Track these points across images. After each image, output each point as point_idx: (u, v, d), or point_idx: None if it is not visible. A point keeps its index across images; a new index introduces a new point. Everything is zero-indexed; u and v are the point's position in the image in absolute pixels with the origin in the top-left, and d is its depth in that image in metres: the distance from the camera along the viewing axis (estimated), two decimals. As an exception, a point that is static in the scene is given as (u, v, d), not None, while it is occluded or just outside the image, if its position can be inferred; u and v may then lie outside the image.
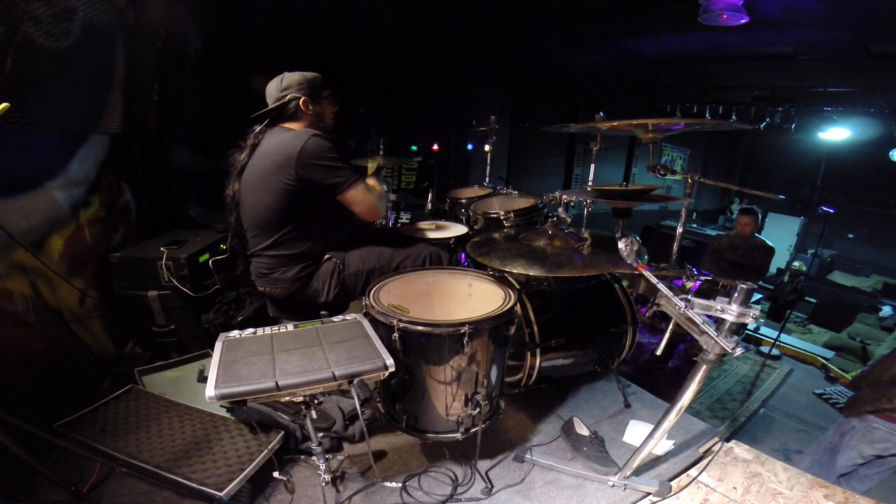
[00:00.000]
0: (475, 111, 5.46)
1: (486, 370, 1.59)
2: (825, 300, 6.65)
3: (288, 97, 1.82)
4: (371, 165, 2.12)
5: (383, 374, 1.35)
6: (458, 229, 2.60)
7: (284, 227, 1.81)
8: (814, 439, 2.93)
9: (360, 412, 1.44)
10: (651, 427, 1.57)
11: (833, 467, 2.24)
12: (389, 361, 1.34)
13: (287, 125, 1.85)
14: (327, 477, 1.44)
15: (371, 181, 1.98)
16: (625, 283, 2.24)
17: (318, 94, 1.87)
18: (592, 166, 2.60)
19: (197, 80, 3.22)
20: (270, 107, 1.85)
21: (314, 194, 1.76)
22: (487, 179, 3.35)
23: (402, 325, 1.47)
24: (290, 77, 1.84)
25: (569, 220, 2.05)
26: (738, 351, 1.27)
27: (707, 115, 6.11)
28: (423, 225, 2.64)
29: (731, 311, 1.29)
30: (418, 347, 1.53)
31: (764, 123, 6.04)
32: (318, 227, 1.85)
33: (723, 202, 9.20)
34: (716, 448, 1.85)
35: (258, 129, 1.86)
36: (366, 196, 1.83)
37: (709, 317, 1.33)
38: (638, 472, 1.65)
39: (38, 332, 1.88)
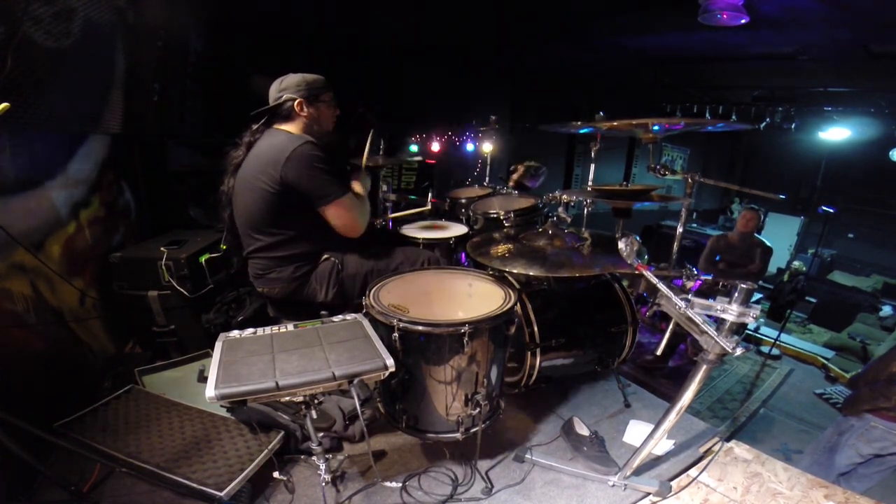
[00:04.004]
0: (475, 111, 5.45)
1: (486, 370, 1.59)
2: (825, 300, 6.65)
3: (283, 98, 1.82)
4: (365, 153, 2.07)
5: (383, 374, 1.35)
6: (458, 229, 2.60)
7: (275, 229, 1.80)
8: (814, 439, 2.93)
9: (360, 412, 1.44)
10: (651, 427, 1.58)
11: (832, 466, 2.25)
12: (389, 361, 1.34)
13: (282, 126, 1.85)
14: (327, 477, 1.44)
15: (357, 187, 1.94)
16: (625, 283, 2.24)
17: (315, 97, 1.86)
18: (592, 166, 2.60)
19: (197, 80, 3.22)
20: (268, 106, 1.85)
21: (303, 199, 1.75)
22: (487, 179, 3.35)
23: (402, 324, 1.47)
24: (290, 78, 1.84)
25: (569, 220, 2.05)
26: (739, 351, 1.27)
27: (707, 115, 6.10)
28: (419, 224, 2.65)
29: (731, 311, 1.29)
30: (418, 347, 1.53)
31: (764, 123, 6.03)
32: (313, 229, 1.84)
33: (723, 202, 9.18)
34: (716, 448, 1.85)
35: (255, 127, 1.86)
36: (348, 213, 1.81)
37: (709, 317, 1.33)
38: (638, 472, 1.65)
39: (38, 332, 1.88)
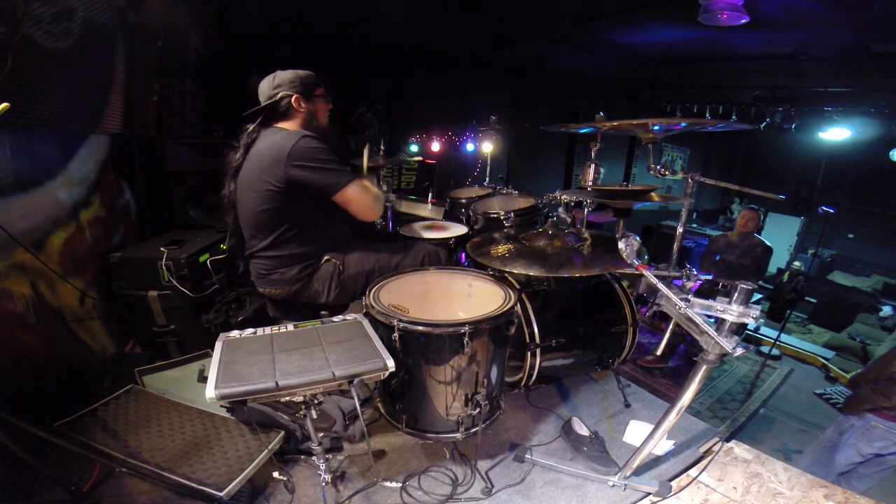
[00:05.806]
0: (475, 111, 5.46)
1: (486, 370, 1.59)
2: (825, 300, 6.65)
3: (280, 95, 1.80)
4: (365, 158, 2.11)
5: (383, 375, 1.35)
6: (458, 229, 2.60)
7: (279, 228, 1.80)
8: (814, 439, 2.93)
9: (360, 412, 1.44)
10: (651, 427, 1.58)
11: (832, 466, 2.25)
12: (390, 362, 1.34)
13: (280, 124, 1.84)
14: (327, 477, 1.44)
15: (366, 182, 1.93)
16: (625, 283, 2.24)
17: (310, 92, 1.85)
18: (593, 166, 2.59)
19: (197, 80, 3.23)
20: (262, 105, 1.83)
21: (306, 196, 1.74)
22: (487, 179, 3.35)
23: (402, 325, 1.47)
24: (283, 75, 1.82)
25: (569, 219, 2.04)
26: (739, 351, 1.27)
27: (707, 115, 6.11)
28: (419, 224, 2.66)
29: (731, 312, 1.29)
30: (418, 347, 1.53)
31: (764, 123, 6.04)
32: (315, 228, 1.84)
33: (723, 202, 9.19)
34: (716, 448, 1.85)
35: (251, 127, 1.83)
36: (362, 196, 1.80)
37: (709, 317, 1.33)
38: (638, 472, 1.65)
39: (38, 332, 1.88)
